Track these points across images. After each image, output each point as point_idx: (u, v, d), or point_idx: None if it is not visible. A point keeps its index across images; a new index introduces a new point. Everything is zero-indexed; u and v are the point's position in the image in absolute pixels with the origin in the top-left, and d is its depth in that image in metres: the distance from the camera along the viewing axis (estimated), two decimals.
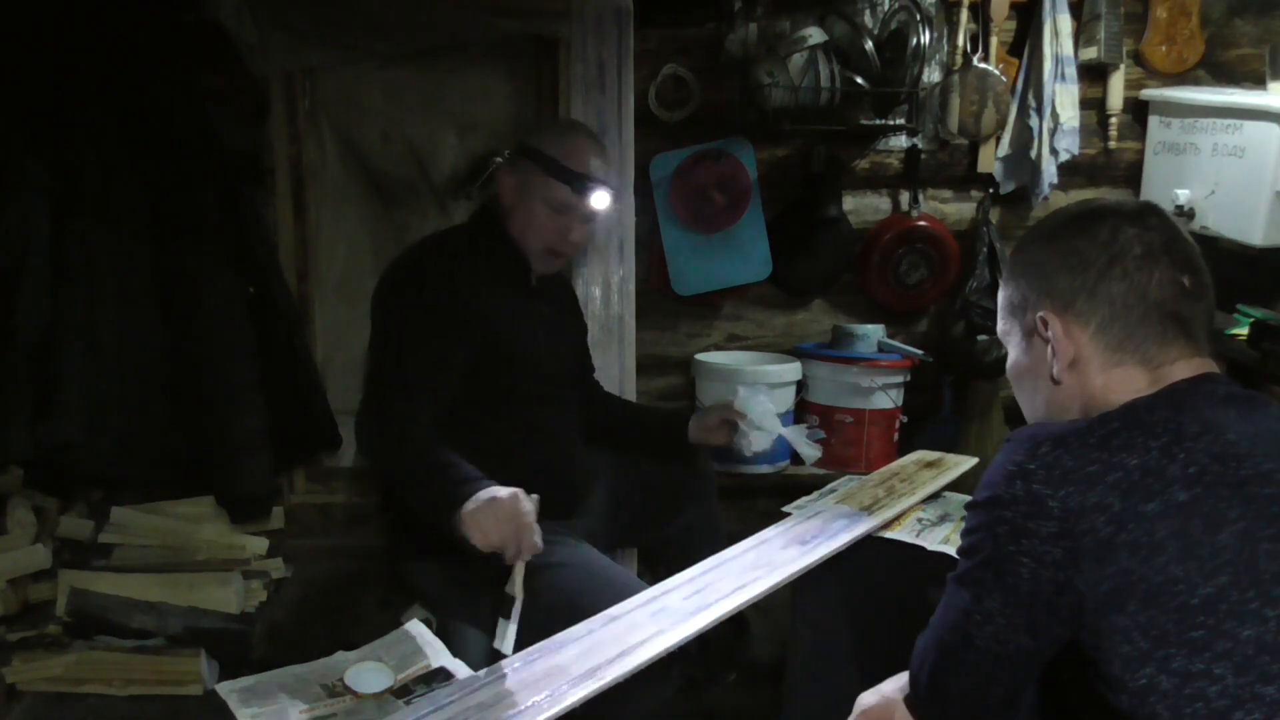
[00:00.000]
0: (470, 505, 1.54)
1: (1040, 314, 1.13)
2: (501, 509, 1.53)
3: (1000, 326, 1.24)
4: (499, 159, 2.82)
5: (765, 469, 2.83)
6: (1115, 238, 1.10)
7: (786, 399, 2.80)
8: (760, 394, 2.11)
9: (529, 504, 1.55)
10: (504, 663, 1.39)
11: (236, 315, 2.53)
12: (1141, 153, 2.93)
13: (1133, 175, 2.95)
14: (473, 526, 1.53)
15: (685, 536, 2.06)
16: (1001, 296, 1.23)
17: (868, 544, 1.75)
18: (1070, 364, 1.12)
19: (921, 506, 1.90)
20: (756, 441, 2.07)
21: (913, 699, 1.18)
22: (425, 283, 1.86)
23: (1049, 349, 1.13)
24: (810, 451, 2.12)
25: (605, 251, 2.58)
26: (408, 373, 1.77)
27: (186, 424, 2.51)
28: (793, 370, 2.82)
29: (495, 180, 2.00)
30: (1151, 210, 1.14)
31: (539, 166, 1.90)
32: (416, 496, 1.71)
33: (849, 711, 1.26)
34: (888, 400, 2.80)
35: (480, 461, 1.68)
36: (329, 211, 2.86)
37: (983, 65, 2.76)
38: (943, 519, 1.82)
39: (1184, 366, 1.09)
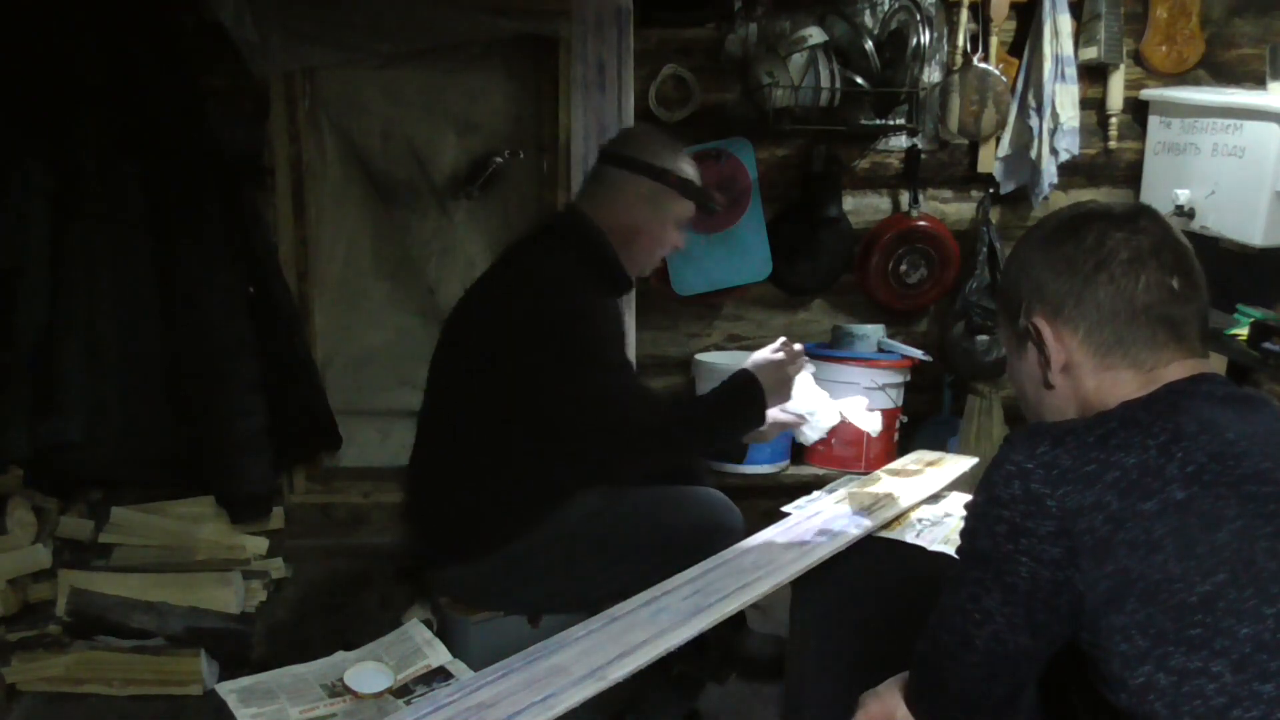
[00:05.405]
0: (771, 411, 1.88)
1: (1032, 320, 1.13)
2: (768, 380, 1.86)
3: (1000, 331, 1.26)
4: (499, 159, 2.82)
5: (765, 469, 2.83)
6: (1102, 242, 1.09)
7: None
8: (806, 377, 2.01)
9: (753, 362, 1.88)
10: (504, 663, 1.39)
11: (236, 315, 2.53)
12: (1141, 153, 2.92)
13: (1133, 175, 2.95)
14: (779, 397, 1.88)
15: None
16: (997, 301, 1.26)
17: (868, 544, 1.74)
18: (1062, 369, 1.12)
19: (921, 506, 1.90)
20: (824, 420, 2.02)
21: (913, 699, 1.18)
22: (585, 305, 1.88)
23: (1041, 354, 1.13)
24: (871, 425, 2.03)
25: None
26: (624, 382, 1.91)
27: (186, 424, 2.51)
28: None
29: (610, 192, 1.96)
30: (1142, 213, 1.13)
31: (673, 188, 1.94)
32: (710, 437, 1.97)
33: (849, 711, 1.25)
34: (888, 400, 2.80)
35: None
36: (329, 211, 2.86)
37: (983, 65, 2.76)
38: (943, 519, 1.82)
39: (1178, 368, 1.08)
